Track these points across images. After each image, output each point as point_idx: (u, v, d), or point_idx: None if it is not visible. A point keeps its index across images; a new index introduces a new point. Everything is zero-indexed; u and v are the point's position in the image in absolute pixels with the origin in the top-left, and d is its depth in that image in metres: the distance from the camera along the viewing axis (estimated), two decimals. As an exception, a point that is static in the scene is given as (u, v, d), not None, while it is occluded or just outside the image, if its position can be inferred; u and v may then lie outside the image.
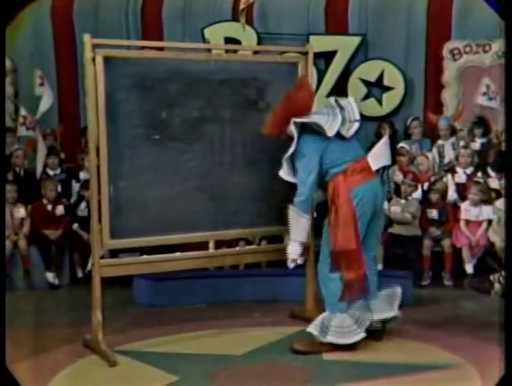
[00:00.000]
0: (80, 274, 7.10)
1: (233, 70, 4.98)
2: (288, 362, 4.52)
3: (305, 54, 5.30)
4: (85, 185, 7.24)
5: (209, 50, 5.40)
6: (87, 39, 4.49)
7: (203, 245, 5.37)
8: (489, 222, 6.74)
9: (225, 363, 4.52)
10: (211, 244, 5.08)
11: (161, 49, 5.67)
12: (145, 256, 4.95)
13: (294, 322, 5.22)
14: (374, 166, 4.71)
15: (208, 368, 4.39)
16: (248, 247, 6.01)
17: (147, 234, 4.76)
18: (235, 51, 6.09)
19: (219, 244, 5.97)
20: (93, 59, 4.47)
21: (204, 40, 8.52)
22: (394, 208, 6.98)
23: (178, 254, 5.03)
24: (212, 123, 4.90)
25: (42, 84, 7.94)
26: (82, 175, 7.75)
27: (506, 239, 4.13)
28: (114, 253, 5.64)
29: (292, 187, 4.82)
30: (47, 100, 7.92)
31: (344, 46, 8.46)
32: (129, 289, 6.21)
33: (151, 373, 4.35)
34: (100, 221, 4.60)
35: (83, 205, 7.21)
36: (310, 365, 4.44)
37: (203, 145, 4.89)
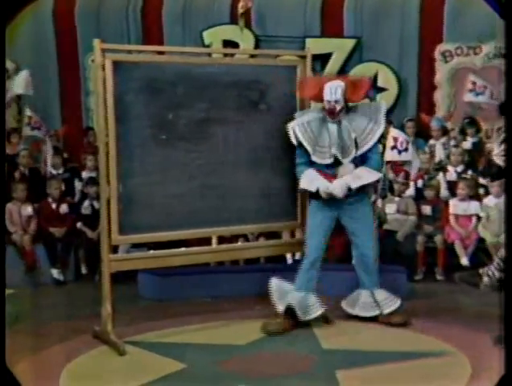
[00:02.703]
0: (84, 270, 7.30)
1: (236, 73, 5.20)
2: (290, 350, 4.74)
3: (304, 57, 5.51)
4: (89, 182, 7.48)
5: (209, 54, 5.65)
6: (97, 43, 4.68)
7: (203, 241, 5.58)
8: (479, 217, 6.98)
9: (230, 351, 4.74)
10: (214, 240, 5.29)
11: (162, 53, 5.88)
12: (152, 252, 5.16)
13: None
14: None
15: (214, 357, 4.61)
16: (251, 243, 6.25)
17: (155, 230, 4.96)
18: (233, 55, 6.34)
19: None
20: (103, 64, 4.67)
21: (203, 42, 8.76)
22: (389, 206, 7.23)
23: (183, 249, 5.25)
24: (218, 124, 5.13)
25: None
26: (84, 174, 7.97)
27: (506, 239, 4.30)
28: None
29: (294, 184, 5.05)
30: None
31: (339, 48, 8.72)
32: (132, 284, 6.39)
33: (160, 361, 4.56)
34: (109, 218, 4.80)
35: (86, 203, 7.42)
36: (311, 353, 4.67)
37: (209, 144, 5.11)
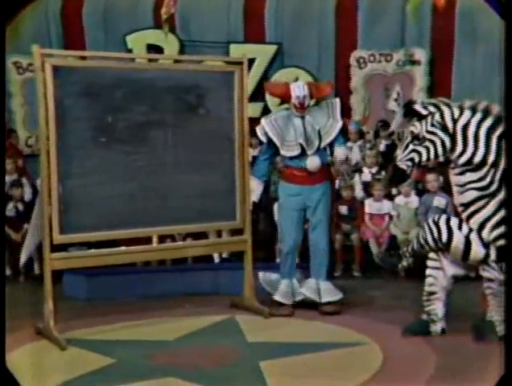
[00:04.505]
0: (8, 272, 7.28)
1: (175, 78, 5.41)
2: (217, 344, 4.96)
3: (240, 63, 5.72)
4: (14, 184, 7.49)
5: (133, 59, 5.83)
6: (35, 48, 4.81)
7: (141, 241, 5.71)
8: (392, 216, 7.38)
9: (158, 346, 4.91)
10: (154, 239, 5.47)
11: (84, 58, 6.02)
12: (93, 250, 5.31)
13: (226, 311, 5.74)
14: None
15: (143, 351, 4.77)
16: (191, 241, 6.46)
17: (95, 229, 5.10)
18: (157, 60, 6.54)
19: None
20: (42, 68, 4.78)
21: (126, 46, 8.87)
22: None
23: (124, 248, 5.40)
24: (157, 127, 5.31)
25: None
26: (7, 178, 7.92)
27: (506, 239, 4.62)
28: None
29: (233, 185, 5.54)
30: None
31: (261, 54, 9.02)
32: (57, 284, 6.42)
33: (90, 357, 4.68)
34: (50, 218, 4.90)
35: (10, 205, 7.42)
36: (237, 347, 4.90)
37: (148, 147, 5.29)
